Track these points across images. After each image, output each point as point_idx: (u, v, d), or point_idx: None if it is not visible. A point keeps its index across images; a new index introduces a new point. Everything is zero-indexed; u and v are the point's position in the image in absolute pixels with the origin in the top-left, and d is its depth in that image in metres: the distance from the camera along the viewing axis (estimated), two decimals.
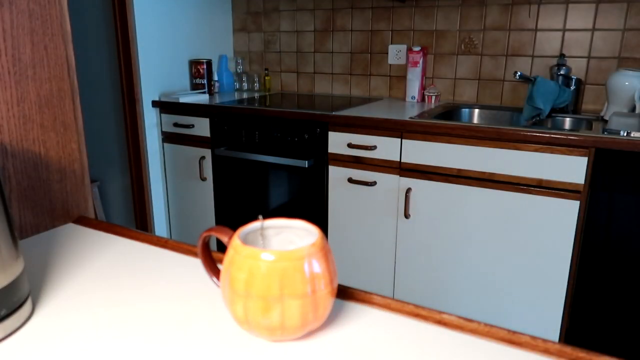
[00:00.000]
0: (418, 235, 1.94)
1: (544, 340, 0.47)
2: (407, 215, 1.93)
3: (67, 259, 0.64)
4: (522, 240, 1.77)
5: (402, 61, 2.47)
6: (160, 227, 2.62)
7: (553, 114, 2.07)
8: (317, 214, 2.15)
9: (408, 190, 1.90)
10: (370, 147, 1.94)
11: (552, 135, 1.62)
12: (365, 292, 0.57)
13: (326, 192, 2.11)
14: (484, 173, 1.77)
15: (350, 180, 2.02)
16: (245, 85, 2.86)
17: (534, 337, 0.48)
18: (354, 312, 0.53)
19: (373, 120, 1.91)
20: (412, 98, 2.40)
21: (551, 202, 1.68)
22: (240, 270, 0.44)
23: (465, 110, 2.26)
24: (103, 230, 0.73)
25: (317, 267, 0.45)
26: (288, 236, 0.52)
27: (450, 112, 2.21)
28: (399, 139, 1.89)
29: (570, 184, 1.65)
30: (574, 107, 2.12)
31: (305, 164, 2.07)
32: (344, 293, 0.56)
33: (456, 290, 1.93)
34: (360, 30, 2.55)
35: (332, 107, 2.17)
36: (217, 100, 2.43)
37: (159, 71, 2.49)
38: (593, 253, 1.69)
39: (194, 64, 2.60)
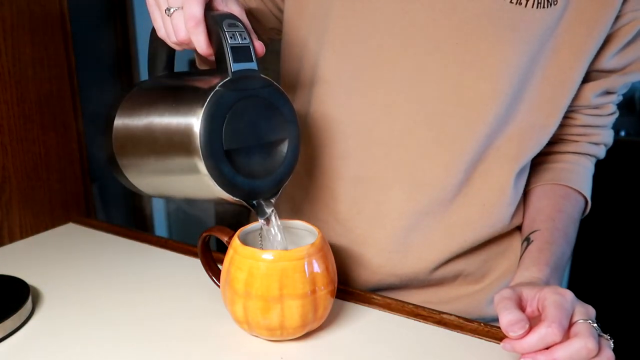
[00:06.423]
0: None
1: None
2: None
3: (67, 259, 0.64)
4: None
5: None
6: (160, 227, 2.62)
7: None
8: None
9: None
10: None
11: None
12: (366, 292, 0.57)
13: None
14: None
15: None
16: None
17: None
18: (354, 312, 0.53)
19: None
20: None
21: None
22: (240, 270, 0.44)
23: None
24: (103, 230, 0.73)
25: (317, 267, 0.45)
26: (288, 236, 0.52)
27: None
28: None
29: None
30: None
31: None
32: (344, 293, 0.56)
33: None
34: None
35: None
36: None
37: None
38: (592, 252, 1.69)
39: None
